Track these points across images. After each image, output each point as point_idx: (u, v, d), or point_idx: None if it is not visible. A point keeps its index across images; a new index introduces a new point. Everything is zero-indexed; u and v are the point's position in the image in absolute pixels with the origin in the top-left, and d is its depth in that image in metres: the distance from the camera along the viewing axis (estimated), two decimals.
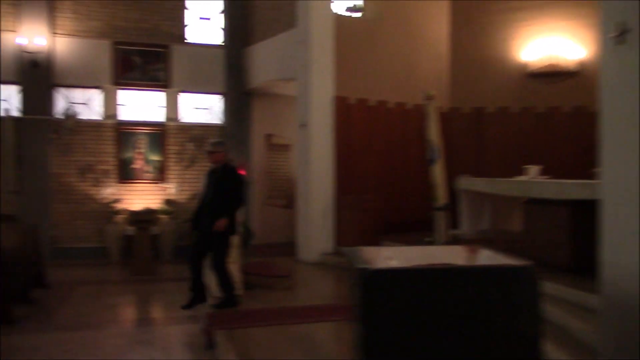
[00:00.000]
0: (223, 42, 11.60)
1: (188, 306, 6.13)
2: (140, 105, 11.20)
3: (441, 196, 7.68)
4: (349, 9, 10.49)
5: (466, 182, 8.26)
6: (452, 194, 8.36)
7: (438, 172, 7.72)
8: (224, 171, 6.11)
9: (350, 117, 9.84)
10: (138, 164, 10.91)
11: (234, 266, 6.68)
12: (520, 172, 7.73)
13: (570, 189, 5.80)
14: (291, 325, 5.47)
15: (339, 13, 10.24)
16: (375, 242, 8.42)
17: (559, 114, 10.29)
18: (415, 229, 9.38)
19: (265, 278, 7.20)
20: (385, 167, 10.13)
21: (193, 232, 6.27)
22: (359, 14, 10.49)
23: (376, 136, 10.11)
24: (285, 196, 11.18)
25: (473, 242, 3.66)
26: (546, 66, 10.46)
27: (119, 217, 10.43)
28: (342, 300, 6.29)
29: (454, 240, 7.45)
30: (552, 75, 10.47)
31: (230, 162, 6.38)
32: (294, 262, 9.07)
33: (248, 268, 7.06)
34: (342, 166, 9.61)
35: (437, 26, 11.03)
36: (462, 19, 11.01)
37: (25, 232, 7.55)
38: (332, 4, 9.67)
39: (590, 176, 5.55)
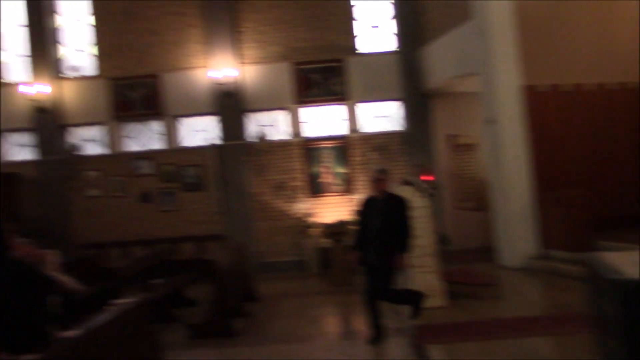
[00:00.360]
0: (396, 47, 11.47)
1: (373, 342, 5.58)
2: (322, 120, 11.54)
3: None
4: None
5: None
6: None
7: None
8: (390, 201, 5.59)
9: (543, 106, 9.00)
10: (326, 178, 11.22)
11: (434, 275, 6.41)
12: None
13: None
14: (508, 339, 5.01)
15: None
16: (588, 241, 7.50)
17: None
18: (634, 225, 8.17)
19: (470, 287, 6.80)
20: (589, 157, 9.07)
21: (360, 266, 5.73)
22: None
23: (575, 123, 9.12)
24: (476, 198, 10.60)
25: None
26: None
27: (313, 231, 10.79)
28: (563, 310, 5.64)
29: None
30: None
31: (394, 191, 5.83)
32: (495, 268, 8.49)
33: (450, 277, 6.72)
34: (539, 160, 8.80)
35: None
36: None
37: (234, 249, 8.16)
38: None
39: None
